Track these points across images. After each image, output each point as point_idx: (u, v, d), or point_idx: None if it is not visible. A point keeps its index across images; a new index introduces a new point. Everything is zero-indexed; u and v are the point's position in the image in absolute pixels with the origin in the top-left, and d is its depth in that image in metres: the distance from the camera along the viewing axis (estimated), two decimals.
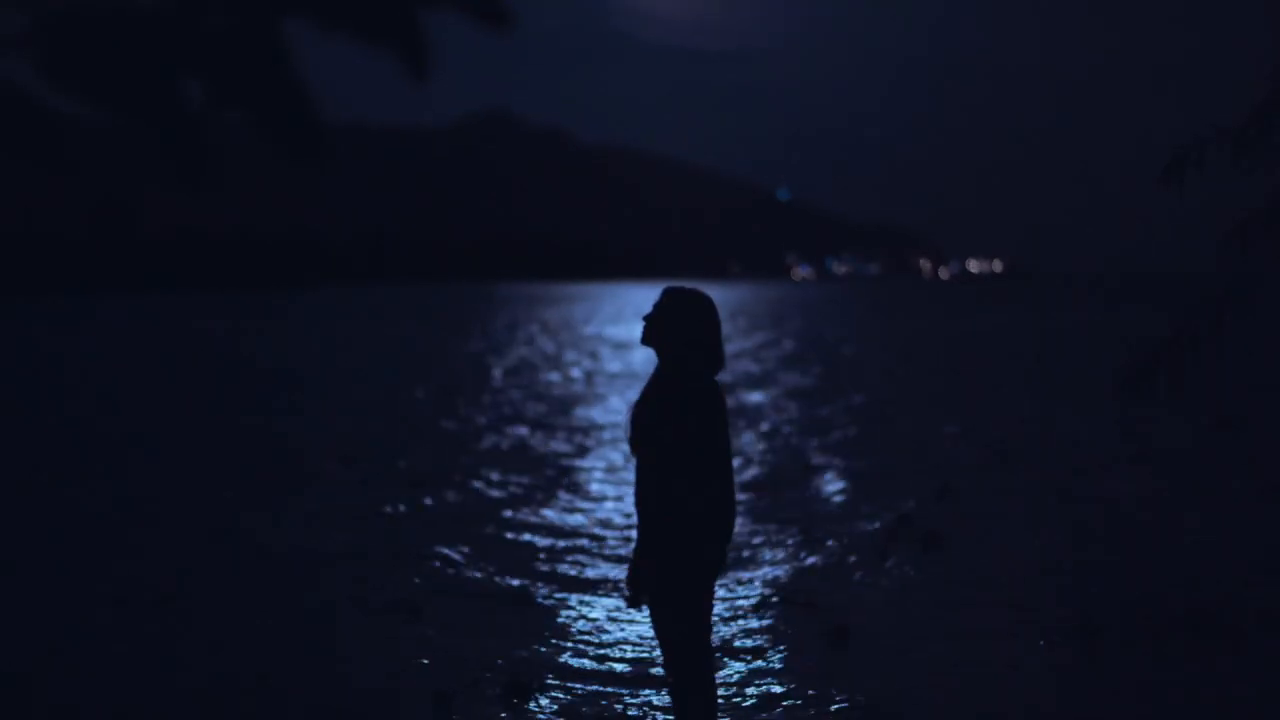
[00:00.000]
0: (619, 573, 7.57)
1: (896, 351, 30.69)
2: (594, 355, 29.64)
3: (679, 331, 4.05)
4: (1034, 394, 18.80)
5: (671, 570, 4.03)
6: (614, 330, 42.31)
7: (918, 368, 25.27)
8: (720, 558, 4.10)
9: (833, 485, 11.11)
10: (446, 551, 8.33)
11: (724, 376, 4.26)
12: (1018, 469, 11.58)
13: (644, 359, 26.71)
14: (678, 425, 3.97)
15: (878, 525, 9.06)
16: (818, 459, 12.68)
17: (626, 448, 4.25)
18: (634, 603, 4.21)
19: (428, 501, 10.21)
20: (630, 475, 6.41)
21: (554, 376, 23.61)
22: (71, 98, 0.98)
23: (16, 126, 1.01)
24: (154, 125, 0.98)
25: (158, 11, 0.94)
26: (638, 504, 4.08)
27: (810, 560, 8.12)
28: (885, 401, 18.35)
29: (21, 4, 0.96)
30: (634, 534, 8.38)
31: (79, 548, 8.37)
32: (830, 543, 8.57)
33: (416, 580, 7.57)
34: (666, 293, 4.13)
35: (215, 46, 0.94)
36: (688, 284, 4.26)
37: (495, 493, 10.77)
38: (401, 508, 9.93)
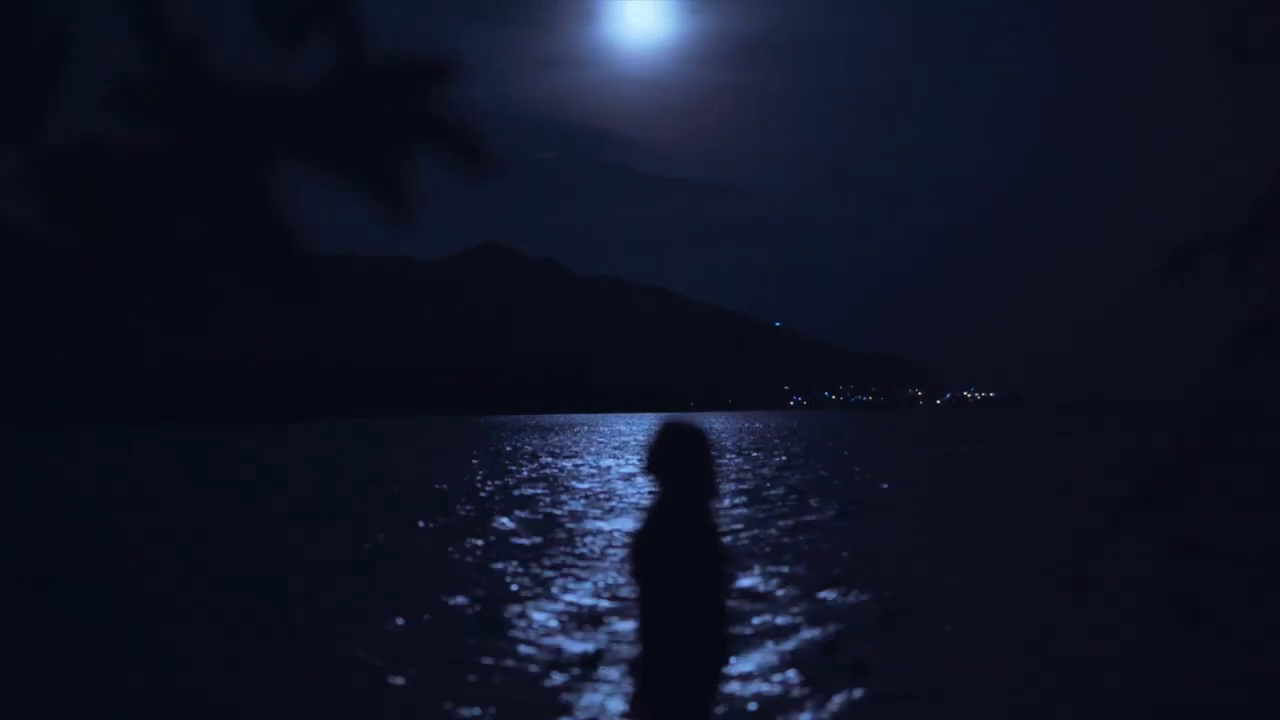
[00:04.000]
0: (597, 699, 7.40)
1: (837, 475, 30.56)
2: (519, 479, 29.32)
3: (675, 464, 4.17)
4: (993, 517, 18.44)
5: (674, 696, 4.03)
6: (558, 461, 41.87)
7: (865, 493, 24.97)
8: (720, 682, 4.11)
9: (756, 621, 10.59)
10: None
11: None
12: (968, 596, 11.22)
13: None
14: (676, 555, 4.04)
15: (813, 653, 8.78)
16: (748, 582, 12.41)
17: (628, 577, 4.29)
18: None
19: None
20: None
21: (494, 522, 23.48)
22: (66, 233, 0.99)
23: (12, 260, 1.02)
24: (148, 264, 0.99)
25: (150, 152, 0.95)
26: (640, 632, 4.12)
27: (751, 690, 7.81)
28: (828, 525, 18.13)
29: (17, 142, 0.97)
30: (629, 659, 8.21)
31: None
32: (776, 674, 8.34)
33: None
34: (664, 426, 4.28)
35: (206, 186, 0.95)
36: (683, 416, 4.38)
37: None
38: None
